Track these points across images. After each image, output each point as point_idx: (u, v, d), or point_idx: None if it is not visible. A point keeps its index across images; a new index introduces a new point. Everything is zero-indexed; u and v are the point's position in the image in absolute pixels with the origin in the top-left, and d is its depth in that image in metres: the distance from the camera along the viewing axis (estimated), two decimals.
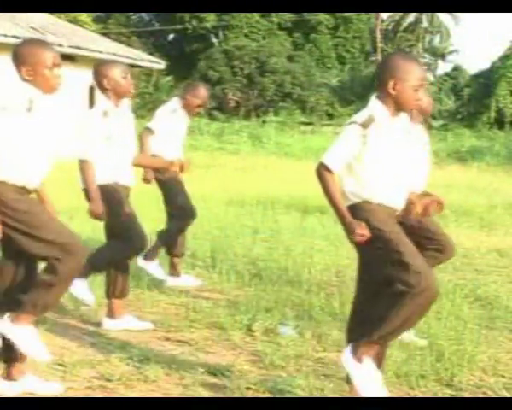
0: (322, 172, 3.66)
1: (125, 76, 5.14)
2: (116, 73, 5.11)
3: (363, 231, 3.61)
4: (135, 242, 5.17)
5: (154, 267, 6.51)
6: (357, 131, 3.64)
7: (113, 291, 5.26)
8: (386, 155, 3.70)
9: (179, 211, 6.54)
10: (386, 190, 3.71)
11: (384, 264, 3.65)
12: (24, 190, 3.80)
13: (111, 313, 5.29)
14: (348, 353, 3.73)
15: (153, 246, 6.49)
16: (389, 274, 3.63)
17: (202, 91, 6.66)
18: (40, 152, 3.81)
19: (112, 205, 5.04)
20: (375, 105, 3.71)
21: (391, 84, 3.65)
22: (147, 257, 6.45)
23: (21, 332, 3.81)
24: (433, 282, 3.60)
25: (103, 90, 5.12)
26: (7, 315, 3.80)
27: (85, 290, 5.21)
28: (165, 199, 6.63)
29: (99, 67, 5.18)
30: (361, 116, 3.69)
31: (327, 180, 3.65)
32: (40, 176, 3.87)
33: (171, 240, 6.60)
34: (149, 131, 6.45)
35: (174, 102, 6.65)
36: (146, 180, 6.50)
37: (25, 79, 3.79)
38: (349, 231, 3.64)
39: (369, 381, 3.67)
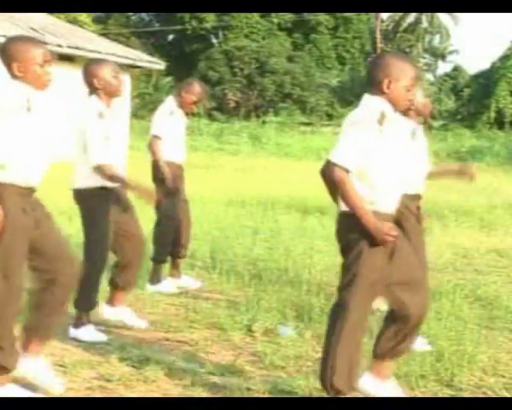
0: (339, 174, 3.46)
1: (115, 75, 5.02)
2: (106, 73, 4.98)
3: (394, 233, 3.51)
4: (96, 260, 5.00)
5: (165, 286, 6.43)
6: (375, 127, 3.52)
7: (118, 282, 5.20)
8: (395, 155, 3.63)
9: (161, 219, 6.52)
10: (389, 194, 3.64)
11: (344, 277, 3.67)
12: (27, 191, 3.79)
13: (111, 301, 5.25)
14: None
15: (152, 269, 6.46)
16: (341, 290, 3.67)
17: (197, 88, 6.62)
18: (40, 151, 3.81)
19: (95, 212, 4.96)
20: (376, 102, 3.63)
21: (385, 83, 3.61)
22: (152, 282, 6.41)
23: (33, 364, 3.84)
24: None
25: (94, 90, 4.98)
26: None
27: (95, 333, 5.04)
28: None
29: (89, 67, 5.03)
30: (370, 113, 3.56)
31: (347, 183, 3.45)
32: (41, 175, 3.87)
33: (163, 255, 6.56)
34: (157, 138, 6.42)
35: (170, 103, 6.60)
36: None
37: (15, 76, 3.76)
38: (379, 233, 3.50)
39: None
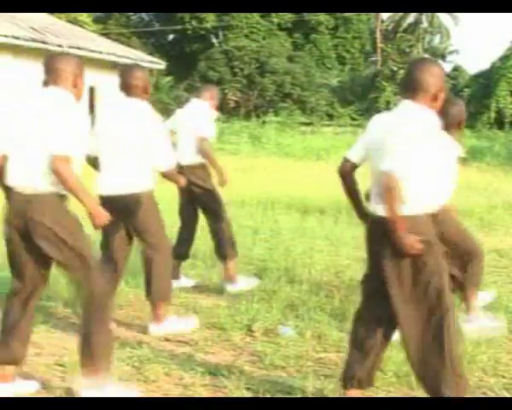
0: (389, 182, 3.41)
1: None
2: (147, 77, 5.14)
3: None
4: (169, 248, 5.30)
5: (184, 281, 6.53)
6: (433, 145, 3.56)
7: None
8: (437, 163, 3.63)
9: (220, 220, 6.88)
10: (435, 197, 3.66)
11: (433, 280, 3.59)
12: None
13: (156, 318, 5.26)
14: None
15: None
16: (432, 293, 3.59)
17: (216, 92, 6.79)
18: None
19: (155, 211, 5.17)
20: (429, 114, 3.59)
21: (439, 94, 3.61)
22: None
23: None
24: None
25: (139, 93, 5.05)
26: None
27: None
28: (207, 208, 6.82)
29: (134, 71, 5.09)
30: (429, 129, 3.56)
31: (394, 188, 3.42)
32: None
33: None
34: (208, 140, 6.47)
35: (208, 108, 6.63)
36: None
37: (66, 86, 3.93)
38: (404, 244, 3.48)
39: None
